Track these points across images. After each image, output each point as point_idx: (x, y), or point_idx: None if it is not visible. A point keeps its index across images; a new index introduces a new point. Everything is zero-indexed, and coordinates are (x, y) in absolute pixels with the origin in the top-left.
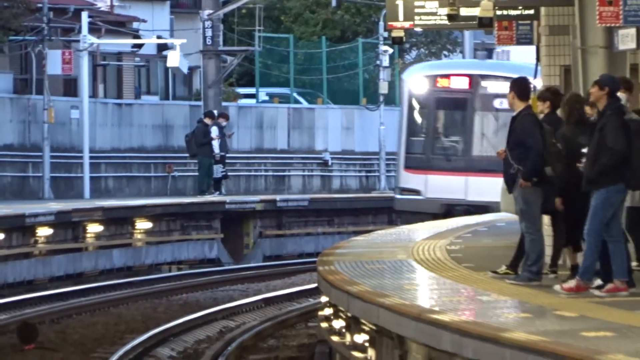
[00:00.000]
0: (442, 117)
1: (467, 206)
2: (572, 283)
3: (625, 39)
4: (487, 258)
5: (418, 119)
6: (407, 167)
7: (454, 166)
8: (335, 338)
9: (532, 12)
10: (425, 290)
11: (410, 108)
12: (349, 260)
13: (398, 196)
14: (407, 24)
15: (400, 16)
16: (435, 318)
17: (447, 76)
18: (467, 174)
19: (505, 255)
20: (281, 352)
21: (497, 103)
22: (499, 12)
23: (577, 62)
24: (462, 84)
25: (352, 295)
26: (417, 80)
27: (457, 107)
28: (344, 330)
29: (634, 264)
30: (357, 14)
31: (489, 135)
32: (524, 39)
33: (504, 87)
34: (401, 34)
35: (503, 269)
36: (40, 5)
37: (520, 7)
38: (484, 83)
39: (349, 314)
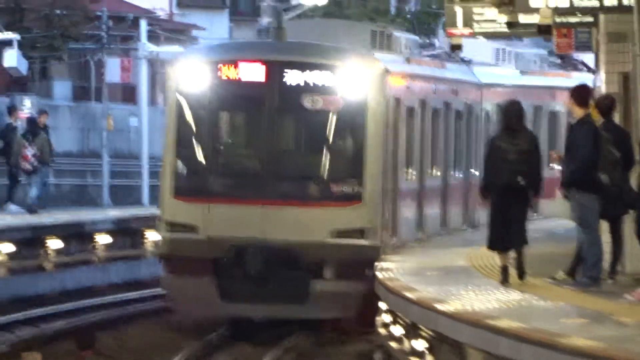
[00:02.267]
0: (228, 123)
1: (265, 247)
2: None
3: None
4: (545, 264)
5: (192, 125)
6: (178, 193)
7: (245, 192)
8: (393, 344)
9: (591, 19)
10: (483, 297)
11: (180, 109)
12: (408, 267)
13: (164, 234)
14: (466, 31)
15: (459, 23)
16: (493, 324)
17: (233, 63)
18: (265, 202)
19: (563, 261)
20: (340, 359)
21: (307, 101)
22: (557, 20)
23: (636, 69)
24: (256, 74)
25: (411, 301)
26: (189, 70)
27: (249, 108)
28: (402, 336)
29: None
30: (417, 21)
31: (295, 148)
32: (583, 46)
33: (318, 78)
34: (460, 41)
35: (561, 274)
36: (99, 13)
37: (579, 14)
38: (288, 73)
39: (407, 320)
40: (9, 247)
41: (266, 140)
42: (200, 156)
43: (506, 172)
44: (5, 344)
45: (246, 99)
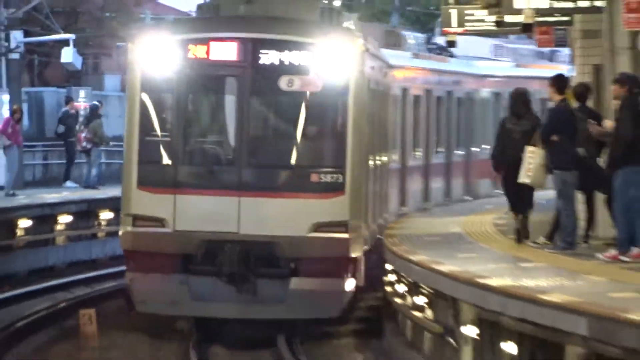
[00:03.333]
0: (198, 107)
1: (241, 243)
2: (612, 252)
3: None
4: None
5: (159, 109)
6: (142, 183)
7: (218, 182)
8: (398, 300)
9: (567, 18)
10: (476, 259)
11: (146, 91)
12: (409, 233)
13: (129, 228)
14: (460, 30)
15: (454, 23)
16: (484, 282)
17: (204, 41)
18: (240, 193)
19: (543, 228)
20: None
21: (284, 83)
22: (539, 19)
23: (606, 62)
24: (228, 53)
25: (413, 263)
26: (154, 47)
27: (221, 90)
28: (405, 293)
29: None
30: (417, 22)
31: (271, 134)
32: (561, 42)
33: (295, 58)
34: (455, 38)
35: (542, 239)
36: (142, 15)
37: (557, 15)
38: (264, 52)
39: (409, 280)
40: (67, 218)
41: (240, 126)
42: (167, 143)
43: (511, 150)
44: (64, 302)
45: (218, 80)
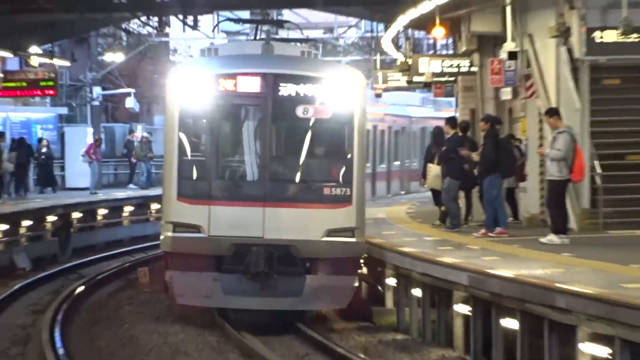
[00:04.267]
0: (228, 131)
1: (265, 246)
2: (483, 230)
3: (505, 93)
4: (429, 216)
5: (195, 133)
6: (181, 196)
7: (245, 195)
8: None
9: (453, 78)
10: (394, 234)
11: (182, 118)
12: None
13: (170, 234)
14: (383, 86)
15: (380, 81)
16: (401, 250)
17: (232, 76)
18: (264, 204)
19: (438, 214)
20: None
21: (299, 111)
22: (435, 79)
23: (478, 107)
24: (252, 86)
25: None
26: (190, 82)
27: (246, 117)
28: None
29: (510, 219)
30: None
31: (290, 154)
32: (450, 94)
33: (309, 90)
34: (381, 92)
35: (437, 222)
36: None
37: (447, 76)
38: (282, 85)
39: None
40: (130, 208)
41: (263, 147)
42: (202, 162)
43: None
44: (128, 263)
45: (244, 109)
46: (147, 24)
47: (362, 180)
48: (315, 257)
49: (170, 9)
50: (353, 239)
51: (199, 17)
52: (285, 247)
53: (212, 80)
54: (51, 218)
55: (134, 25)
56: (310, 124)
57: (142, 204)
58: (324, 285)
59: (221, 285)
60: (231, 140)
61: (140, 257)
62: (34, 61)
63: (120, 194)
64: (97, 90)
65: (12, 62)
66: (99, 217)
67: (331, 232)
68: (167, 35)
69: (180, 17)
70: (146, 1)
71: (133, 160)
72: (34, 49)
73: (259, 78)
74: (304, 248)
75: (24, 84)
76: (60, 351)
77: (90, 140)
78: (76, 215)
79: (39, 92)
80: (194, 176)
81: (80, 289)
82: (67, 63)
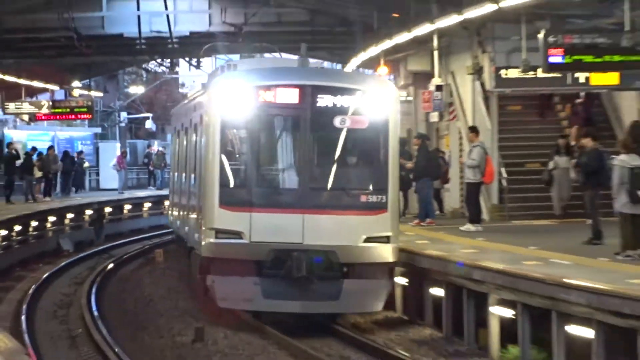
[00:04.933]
0: (268, 141)
1: (305, 252)
2: (416, 221)
3: (433, 117)
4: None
5: (235, 142)
6: (223, 203)
7: (285, 202)
8: None
9: None
10: None
11: (224, 128)
12: None
13: (211, 240)
14: None
15: None
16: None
17: (270, 87)
18: (303, 211)
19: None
20: None
21: (337, 121)
22: None
23: (413, 127)
24: (291, 97)
25: None
26: (230, 93)
27: (286, 127)
28: None
29: (437, 212)
30: None
31: (328, 163)
32: None
33: (346, 101)
34: None
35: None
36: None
37: None
38: (320, 96)
39: None
40: (148, 204)
41: (302, 156)
42: (243, 170)
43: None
44: (147, 246)
45: (283, 119)
46: (162, 64)
47: (396, 189)
48: (352, 263)
49: (179, 53)
50: (388, 245)
51: (201, 60)
52: (324, 252)
53: (252, 91)
54: (88, 212)
55: (152, 65)
56: (347, 133)
57: (157, 201)
58: (360, 290)
59: (261, 289)
60: (271, 149)
61: (157, 242)
62: (75, 93)
63: (141, 193)
64: (123, 115)
65: (59, 93)
66: (125, 211)
67: (367, 239)
68: (177, 72)
69: (187, 59)
70: (161, 47)
71: (151, 168)
72: (75, 83)
73: (298, 90)
74: (341, 253)
75: (68, 110)
76: (95, 313)
77: (118, 152)
78: (107, 209)
79: (78, 117)
80: (236, 185)
81: (111, 265)
82: (100, 94)
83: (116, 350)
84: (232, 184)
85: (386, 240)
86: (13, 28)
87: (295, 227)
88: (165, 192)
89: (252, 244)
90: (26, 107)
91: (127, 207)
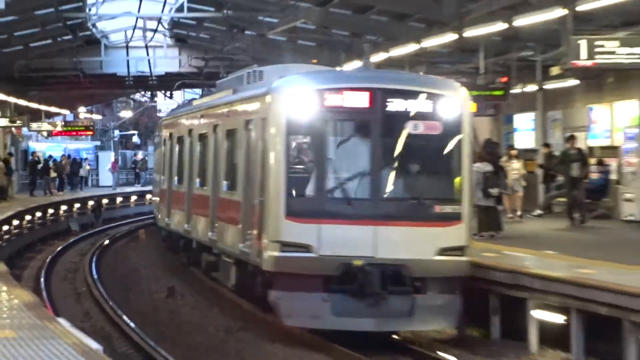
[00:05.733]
0: (337, 147)
1: (377, 265)
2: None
3: None
4: None
5: (301, 149)
6: (290, 214)
7: (356, 213)
8: None
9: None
10: None
11: (290, 134)
12: None
13: (276, 253)
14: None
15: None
16: None
17: (339, 90)
18: (375, 222)
19: None
20: None
21: (409, 126)
22: None
23: None
24: (361, 101)
25: None
26: (295, 97)
27: (356, 133)
28: None
29: None
30: None
31: (400, 171)
32: None
33: (419, 105)
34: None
35: None
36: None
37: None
38: (391, 100)
39: None
40: (135, 197)
41: (373, 164)
42: (310, 179)
43: None
44: (134, 227)
45: (353, 124)
46: (144, 95)
47: (470, 198)
48: (426, 277)
49: (157, 87)
50: (464, 258)
51: (173, 92)
52: (397, 266)
53: (319, 95)
54: (90, 202)
55: (137, 96)
56: (420, 140)
57: (141, 195)
58: (433, 305)
59: (330, 306)
60: (339, 157)
61: (140, 224)
62: (81, 116)
63: (129, 189)
64: (116, 132)
65: (69, 116)
66: (117, 202)
67: (442, 251)
68: (155, 101)
69: (163, 92)
70: (143, 83)
71: (137, 170)
72: (81, 109)
73: (368, 93)
74: (415, 267)
75: (76, 128)
76: (95, 276)
77: (112, 159)
78: (104, 200)
79: (83, 133)
80: (303, 194)
81: (106, 242)
82: (99, 117)
83: (110, 304)
84: (298, 194)
85: (460, 252)
86: (36, 68)
87: (367, 239)
88: (147, 188)
89: (320, 257)
90: (45, 126)
91: (119, 199)
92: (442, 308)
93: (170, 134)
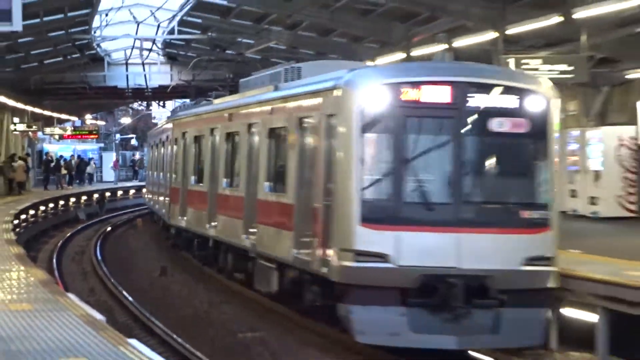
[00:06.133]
0: (416, 146)
1: (461, 277)
2: None
3: None
4: None
5: (377, 148)
6: (366, 220)
7: (438, 219)
8: None
9: None
10: None
11: (365, 132)
12: None
13: (349, 263)
14: None
15: None
16: None
17: (417, 84)
18: (459, 229)
19: None
20: None
21: (494, 124)
22: None
23: None
24: (442, 96)
25: None
26: (370, 91)
27: (436, 131)
28: None
29: None
30: None
31: (485, 173)
32: None
33: (504, 101)
34: None
35: None
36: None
37: None
38: (475, 95)
39: None
40: (133, 191)
41: (455, 165)
42: (388, 182)
43: None
44: (132, 216)
45: (432, 122)
46: (141, 105)
47: (558, 202)
48: (512, 289)
49: (152, 98)
50: (552, 268)
51: (166, 102)
52: (481, 277)
53: (396, 90)
54: (95, 195)
55: (135, 105)
56: (506, 139)
57: (138, 189)
58: (520, 320)
59: (409, 321)
60: (418, 157)
61: (137, 214)
62: (88, 122)
63: (128, 184)
64: (117, 136)
65: (77, 122)
66: (118, 195)
67: (530, 261)
68: (150, 110)
69: (157, 102)
70: (140, 94)
71: (135, 168)
72: (87, 116)
73: (450, 87)
74: (500, 278)
75: (83, 132)
76: (99, 257)
77: (114, 159)
78: (107, 193)
79: (89, 137)
80: (379, 198)
81: (109, 228)
82: (103, 123)
83: (112, 281)
84: (374, 198)
85: (550, 262)
86: (50, 82)
87: (450, 248)
88: (143, 183)
89: (399, 268)
90: (57, 130)
91: (120, 192)
92: (528, 324)
93: (184, 133)
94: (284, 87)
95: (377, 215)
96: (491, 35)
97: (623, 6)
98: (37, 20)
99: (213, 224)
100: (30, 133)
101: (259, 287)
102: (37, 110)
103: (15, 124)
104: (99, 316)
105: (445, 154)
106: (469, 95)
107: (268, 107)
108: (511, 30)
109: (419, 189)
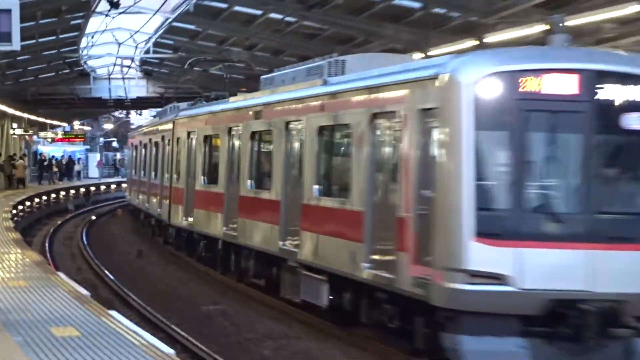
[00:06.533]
0: (539, 146)
1: (595, 302)
2: None
3: None
4: None
5: (492, 149)
6: (480, 235)
7: (567, 233)
8: None
9: None
10: None
11: (479, 130)
12: None
13: (461, 286)
14: None
15: None
16: None
17: (538, 73)
18: (593, 245)
19: None
20: None
21: (632, 121)
22: None
23: None
24: (567, 86)
25: None
26: (484, 81)
27: (559, 128)
28: None
29: None
30: None
31: (622, 177)
32: None
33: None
34: None
35: None
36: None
37: None
38: (607, 86)
39: None
40: (114, 185)
41: (588, 168)
42: (506, 188)
43: None
44: (115, 207)
45: (557, 117)
46: (121, 113)
47: None
48: None
49: (131, 107)
50: None
51: (142, 111)
52: (618, 302)
53: (514, 79)
54: (82, 189)
55: (116, 113)
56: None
57: (119, 184)
58: None
59: (531, 355)
60: (542, 159)
61: (117, 205)
62: (76, 127)
63: (110, 180)
64: (101, 139)
65: (67, 127)
66: (101, 188)
67: None
68: (129, 117)
69: (135, 110)
70: (121, 104)
71: (117, 166)
72: (75, 122)
73: (577, 76)
74: (636, 303)
75: (71, 136)
76: (85, 241)
77: (98, 159)
78: (92, 188)
79: (77, 140)
80: (496, 208)
81: (94, 217)
82: (89, 128)
83: (96, 261)
84: (490, 208)
85: None
86: (43, 93)
87: (581, 267)
88: (123, 178)
89: (521, 292)
90: (49, 134)
91: (103, 187)
92: None
93: (189, 133)
94: (335, 81)
95: (494, 229)
96: (470, 43)
97: (527, 32)
98: (33, 41)
99: (232, 226)
100: (26, 136)
101: (289, 295)
102: (33, 117)
103: (14, 128)
104: (84, 291)
105: (574, 156)
106: (599, 85)
107: (317, 103)
108: (489, 39)
109: (544, 197)
